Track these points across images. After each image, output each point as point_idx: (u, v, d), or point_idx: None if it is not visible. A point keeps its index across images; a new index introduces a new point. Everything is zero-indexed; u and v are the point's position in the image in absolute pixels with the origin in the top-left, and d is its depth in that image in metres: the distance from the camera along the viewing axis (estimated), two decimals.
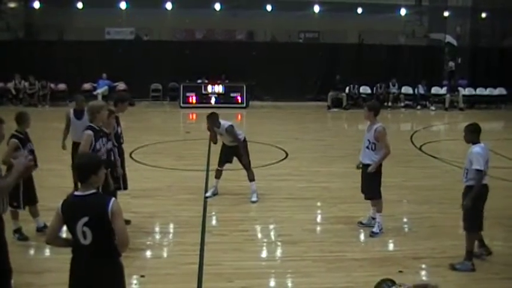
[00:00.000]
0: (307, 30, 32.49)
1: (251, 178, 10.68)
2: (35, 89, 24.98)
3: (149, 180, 11.83)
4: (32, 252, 8.40)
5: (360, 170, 9.30)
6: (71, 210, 4.73)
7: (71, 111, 10.64)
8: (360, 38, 31.65)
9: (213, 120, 10.52)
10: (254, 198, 10.60)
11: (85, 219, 4.63)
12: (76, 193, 4.82)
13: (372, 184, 9.09)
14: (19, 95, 24.93)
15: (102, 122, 8.07)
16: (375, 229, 9.05)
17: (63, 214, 4.75)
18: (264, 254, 8.39)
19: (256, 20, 32.34)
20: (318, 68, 26.63)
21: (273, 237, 8.94)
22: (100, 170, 4.84)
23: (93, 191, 4.77)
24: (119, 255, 4.86)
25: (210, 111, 11.06)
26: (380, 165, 9.00)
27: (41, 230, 8.71)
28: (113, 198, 4.76)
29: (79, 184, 4.87)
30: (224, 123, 10.54)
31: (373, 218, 9.28)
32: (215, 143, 10.88)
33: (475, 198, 7.43)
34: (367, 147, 9.00)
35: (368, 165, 8.98)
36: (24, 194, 8.51)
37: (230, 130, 10.51)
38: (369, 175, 8.99)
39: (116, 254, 4.83)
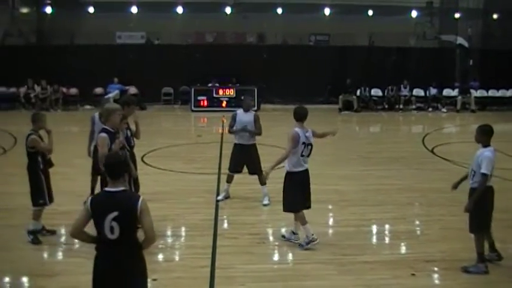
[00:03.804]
0: (317, 33, 32.47)
1: (262, 182, 10.69)
2: (47, 94, 25.16)
3: (161, 184, 11.86)
4: (44, 255, 8.45)
5: None
6: (100, 205, 4.97)
7: (96, 115, 10.68)
8: (370, 40, 31.63)
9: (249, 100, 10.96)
10: (266, 202, 10.61)
11: (114, 214, 4.87)
12: (107, 189, 5.07)
13: (283, 195, 8.68)
14: (31, 100, 25.08)
15: (114, 126, 8.10)
16: (302, 242, 8.58)
17: (92, 209, 4.97)
18: (275, 257, 8.41)
19: (266, 22, 32.35)
20: (328, 70, 26.58)
21: (284, 240, 8.93)
22: (129, 168, 5.16)
23: (123, 188, 5.04)
24: (142, 249, 5.09)
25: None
26: (291, 176, 8.53)
27: (38, 232, 8.74)
28: (142, 197, 5.02)
29: (110, 182, 5.06)
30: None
31: (294, 233, 8.87)
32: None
33: (477, 201, 7.40)
34: None
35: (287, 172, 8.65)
36: (47, 190, 8.66)
37: (258, 118, 10.73)
38: (284, 184, 8.62)
39: (139, 249, 5.07)
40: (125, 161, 5.20)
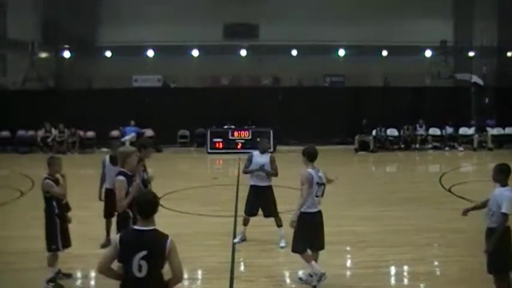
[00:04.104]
0: (332, 74, 32.66)
1: (279, 224, 10.66)
2: (64, 137, 25.40)
3: (177, 226, 11.76)
4: None
5: None
6: (130, 244, 5.03)
7: (107, 157, 10.83)
8: (385, 80, 31.70)
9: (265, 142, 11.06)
10: (283, 244, 10.52)
11: (143, 253, 4.95)
12: (136, 227, 5.15)
13: (295, 236, 8.54)
14: (48, 143, 25.31)
15: (131, 168, 8.12)
16: (314, 282, 8.46)
17: (121, 247, 5.03)
18: None
19: (281, 65, 32.59)
20: (344, 111, 26.58)
21: (302, 283, 8.81)
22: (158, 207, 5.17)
23: (153, 227, 5.12)
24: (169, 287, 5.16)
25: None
26: (307, 216, 8.37)
27: (51, 281, 8.68)
28: (170, 237, 5.09)
29: (139, 221, 5.16)
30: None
31: (311, 276, 8.71)
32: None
33: (498, 241, 7.29)
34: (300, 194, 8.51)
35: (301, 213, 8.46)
36: (61, 236, 8.62)
37: (274, 159, 10.75)
38: (298, 225, 8.40)
39: (165, 287, 5.14)
40: (156, 200, 5.24)
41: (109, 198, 10.55)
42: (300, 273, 8.95)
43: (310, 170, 8.44)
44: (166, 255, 5.01)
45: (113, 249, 5.08)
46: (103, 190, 10.76)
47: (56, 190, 8.56)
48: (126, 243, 5.04)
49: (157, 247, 5.01)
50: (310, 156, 8.55)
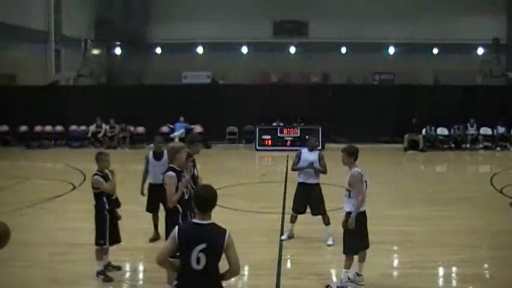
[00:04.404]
0: (382, 72, 32.41)
1: (326, 222, 10.67)
2: (114, 132, 25.82)
3: (225, 223, 11.79)
4: None
5: None
6: (189, 237, 5.13)
7: (150, 153, 11.04)
8: (435, 78, 31.33)
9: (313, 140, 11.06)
10: (330, 242, 10.53)
11: (202, 246, 5.04)
12: (195, 221, 5.24)
13: (344, 236, 8.50)
14: (100, 138, 25.79)
15: (180, 164, 8.24)
16: (334, 286, 8.48)
17: (180, 240, 5.13)
18: None
19: (330, 62, 32.53)
20: (393, 109, 26.30)
21: (349, 282, 8.79)
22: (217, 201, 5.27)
23: (212, 221, 5.21)
24: (224, 279, 5.27)
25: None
26: (360, 216, 8.35)
27: (100, 273, 8.88)
28: (228, 231, 5.18)
29: (198, 215, 5.24)
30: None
31: (358, 275, 8.70)
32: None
33: None
34: (345, 195, 8.52)
35: (347, 213, 8.42)
36: (110, 231, 8.80)
37: (323, 156, 10.74)
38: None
39: (220, 279, 5.23)
40: (215, 194, 5.30)
41: (152, 193, 10.76)
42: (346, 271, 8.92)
43: (357, 169, 8.42)
44: (224, 248, 5.10)
45: (172, 242, 5.17)
46: (146, 185, 10.99)
47: (105, 186, 8.73)
48: (185, 236, 5.14)
49: (216, 241, 5.10)
50: (356, 155, 8.50)
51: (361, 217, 8.34)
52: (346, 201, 8.42)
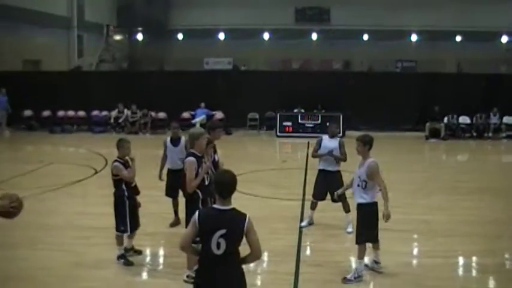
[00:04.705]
0: (404, 59, 32.23)
1: (347, 209, 10.66)
2: (136, 117, 25.94)
3: (245, 209, 11.85)
4: (132, 275, 8.65)
5: None
6: (209, 222, 5.17)
7: (168, 138, 11.09)
8: (458, 66, 31.06)
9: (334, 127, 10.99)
10: (350, 229, 10.51)
11: (222, 231, 5.09)
12: (216, 206, 5.26)
13: (363, 227, 8.35)
14: (121, 123, 25.94)
15: (201, 150, 8.26)
16: (350, 276, 8.34)
17: (200, 225, 5.17)
18: (359, 286, 8.29)
19: (352, 49, 32.40)
20: (415, 97, 26.10)
21: (368, 269, 8.81)
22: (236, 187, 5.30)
23: (232, 206, 5.23)
24: (245, 263, 5.34)
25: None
26: (374, 207, 8.32)
27: (121, 257, 8.98)
28: (248, 216, 5.22)
29: (218, 200, 5.25)
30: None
31: (376, 262, 8.72)
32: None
33: None
34: (358, 185, 8.38)
35: (360, 204, 8.35)
36: (130, 219, 8.86)
37: (343, 144, 10.71)
38: (361, 217, 8.36)
39: (240, 264, 5.30)
40: (235, 180, 5.31)
41: (170, 178, 10.83)
42: (366, 259, 8.91)
43: (373, 159, 8.34)
44: (244, 233, 5.14)
45: (193, 227, 5.22)
46: (164, 171, 11.07)
47: (125, 173, 8.75)
48: (205, 221, 5.17)
49: (236, 226, 5.14)
50: (371, 144, 8.39)
51: (376, 207, 8.30)
52: (361, 192, 8.32)
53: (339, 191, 9.35)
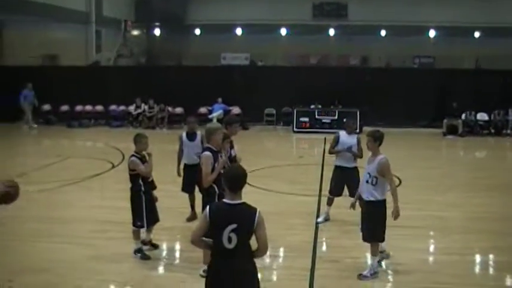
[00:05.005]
0: (422, 55, 32.07)
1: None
2: (153, 112, 26.04)
3: (261, 204, 11.80)
4: (149, 269, 8.70)
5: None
6: (220, 216, 5.21)
7: (184, 133, 11.08)
8: (476, 63, 30.84)
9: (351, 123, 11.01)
10: None
11: (233, 226, 5.12)
12: (226, 201, 5.28)
13: (374, 225, 8.27)
14: (139, 118, 26.05)
15: (217, 145, 8.26)
16: (366, 272, 8.30)
17: (211, 219, 5.22)
18: (375, 283, 8.29)
19: (370, 45, 32.27)
20: (433, 93, 25.95)
21: (384, 265, 8.79)
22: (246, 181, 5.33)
23: (242, 200, 5.25)
24: (254, 257, 5.34)
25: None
26: (384, 204, 8.24)
27: (138, 251, 9.02)
28: (259, 210, 5.24)
29: (228, 195, 5.26)
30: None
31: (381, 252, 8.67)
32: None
33: None
34: (367, 181, 8.28)
35: (369, 201, 8.27)
36: (147, 214, 8.92)
37: (360, 140, 10.61)
38: (371, 214, 8.30)
39: (252, 257, 5.32)
40: (245, 174, 5.34)
41: (187, 173, 10.85)
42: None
43: (384, 155, 8.25)
44: (254, 228, 5.16)
45: (204, 221, 5.26)
46: (181, 166, 11.07)
47: (142, 168, 8.79)
48: (216, 216, 5.21)
49: (247, 220, 5.16)
50: (381, 141, 8.29)
51: (385, 205, 8.26)
52: (370, 189, 8.22)
53: (352, 201, 9.19)
